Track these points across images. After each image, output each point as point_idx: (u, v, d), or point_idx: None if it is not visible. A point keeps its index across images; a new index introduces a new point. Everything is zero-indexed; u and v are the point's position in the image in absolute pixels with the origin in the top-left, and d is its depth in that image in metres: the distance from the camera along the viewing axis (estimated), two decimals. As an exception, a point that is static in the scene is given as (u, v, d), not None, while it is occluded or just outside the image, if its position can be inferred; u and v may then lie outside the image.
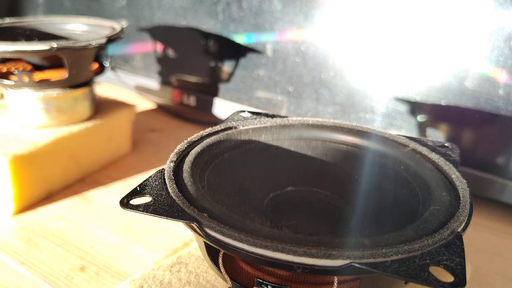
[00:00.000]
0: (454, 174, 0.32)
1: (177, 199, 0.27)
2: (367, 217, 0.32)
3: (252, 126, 0.39)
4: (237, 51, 0.76)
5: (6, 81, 0.56)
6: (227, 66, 0.78)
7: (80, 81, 0.60)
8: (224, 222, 0.25)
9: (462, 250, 0.24)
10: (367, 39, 0.63)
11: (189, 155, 0.33)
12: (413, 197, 0.32)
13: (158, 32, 0.84)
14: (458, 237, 0.25)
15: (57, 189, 0.61)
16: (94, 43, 0.55)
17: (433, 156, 0.34)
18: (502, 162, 0.57)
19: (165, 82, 0.87)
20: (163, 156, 0.72)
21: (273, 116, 0.41)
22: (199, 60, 0.81)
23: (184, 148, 0.34)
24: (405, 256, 0.23)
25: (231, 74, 0.78)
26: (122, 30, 0.64)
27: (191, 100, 0.82)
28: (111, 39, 0.58)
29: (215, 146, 0.36)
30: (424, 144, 0.36)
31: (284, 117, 0.40)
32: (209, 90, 0.81)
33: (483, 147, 0.59)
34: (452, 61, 0.57)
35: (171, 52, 0.85)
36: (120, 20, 0.70)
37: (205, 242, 0.28)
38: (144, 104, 0.92)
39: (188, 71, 0.84)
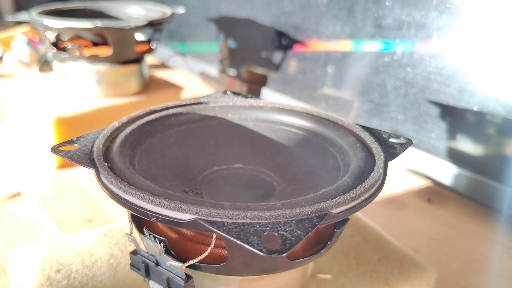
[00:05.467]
0: (379, 163, 0.31)
1: (95, 150, 0.31)
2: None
3: (221, 104, 0.41)
4: (287, 45, 0.77)
5: (62, 53, 0.65)
6: (276, 58, 0.80)
7: (125, 59, 0.67)
8: (118, 174, 0.28)
9: (313, 227, 0.24)
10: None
11: (141, 120, 0.36)
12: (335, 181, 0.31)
13: (222, 22, 0.89)
14: (321, 216, 0.25)
15: (98, 153, 0.68)
16: (132, 24, 0.61)
17: (374, 146, 0.33)
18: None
19: (223, 70, 0.91)
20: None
21: (250, 97, 0.42)
22: (253, 51, 0.84)
23: (141, 114, 0.37)
24: (246, 221, 0.24)
25: (278, 67, 0.79)
26: (171, 16, 0.69)
27: (243, 89, 0.86)
28: (152, 23, 0.64)
29: (174, 117, 0.38)
30: (375, 135, 0.35)
31: (258, 99, 0.42)
32: (258, 80, 0.84)
33: None
34: None
35: (230, 42, 0.89)
36: (178, 7, 0.76)
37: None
38: (205, 89, 0.97)
39: (243, 62, 0.87)
